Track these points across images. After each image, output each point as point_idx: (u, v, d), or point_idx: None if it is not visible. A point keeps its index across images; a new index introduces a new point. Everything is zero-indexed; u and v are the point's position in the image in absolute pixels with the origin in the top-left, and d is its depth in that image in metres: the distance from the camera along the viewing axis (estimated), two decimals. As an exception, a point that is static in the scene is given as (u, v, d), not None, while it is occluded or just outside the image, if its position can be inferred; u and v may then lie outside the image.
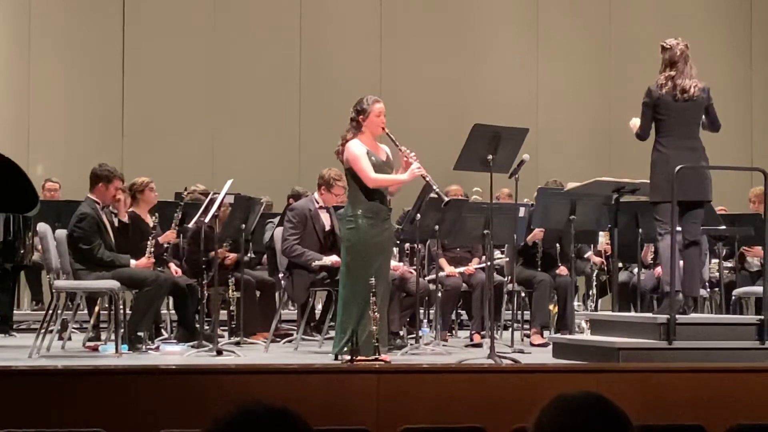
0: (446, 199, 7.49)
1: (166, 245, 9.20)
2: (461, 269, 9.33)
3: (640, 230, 8.90)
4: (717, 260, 9.98)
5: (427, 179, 7.29)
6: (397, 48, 14.24)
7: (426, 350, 8.17)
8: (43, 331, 7.74)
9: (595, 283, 10.48)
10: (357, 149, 7.21)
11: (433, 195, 7.86)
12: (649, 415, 5.26)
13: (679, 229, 7.31)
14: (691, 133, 7.23)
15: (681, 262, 7.26)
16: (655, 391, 5.76)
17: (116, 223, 8.62)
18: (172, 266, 9.03)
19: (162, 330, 9.34)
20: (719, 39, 14.97)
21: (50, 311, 7.96)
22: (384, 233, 7.29)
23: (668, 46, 7.29)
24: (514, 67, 14.70)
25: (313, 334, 9.32)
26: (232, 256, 9.23)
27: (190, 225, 8.77)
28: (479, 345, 8.81)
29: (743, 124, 14.78)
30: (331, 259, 8.20)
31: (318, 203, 8.69)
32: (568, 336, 8.36)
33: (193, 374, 5.79)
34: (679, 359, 6.61)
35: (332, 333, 7.94)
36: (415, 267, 8.85)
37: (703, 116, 7.31)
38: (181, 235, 9.34)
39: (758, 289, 8.91)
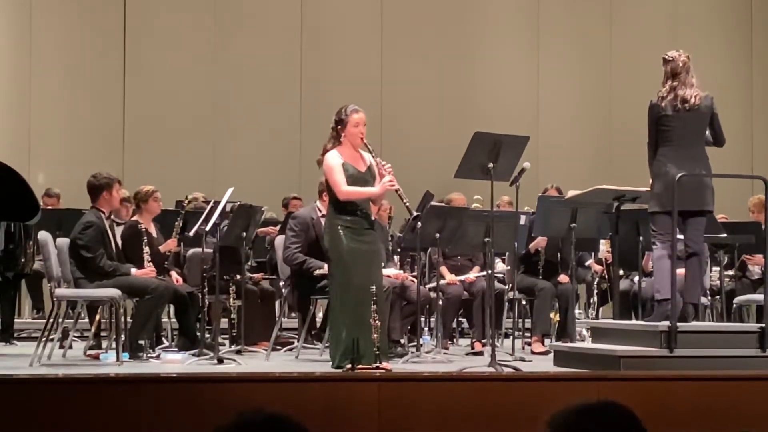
0: (414, 213, 7.49)
1: (167, 253, 9.21)
2: (462, 277, 9.33)
3: (641, 238, 8.89)
4: (718, 268, 9.97)
5: (399, 192, 7.29)
6: (397, 55, 14.26)
7: (427, 358, 8.16)
8: (44, 339, 7.74)
9: (596, 291, 10.47)
10: (332, 161, 7.23)
11: (433, 203, 7.86)
12: (651, 423, 5.24)
13: (680, 237, 7.30)
14: (694, 143, 7.21)
15: (680, 270, 7.25)
16: (657, 399, 5.75)
17: (117, 234, 8.63)
18: (174, 274, 9.03)
19: (163, 338, 9.34)
20: (720, 46, 14.99)
21: (51, 319, 7.95)
22: (366, 243, 7.25)
23: (670, 58, 7.29)
24: (514, 75, 14.72)
25: (314, 342, 9.31)
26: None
27: (191, 233, 8.77)
28: (480, 353, 8.80)
29: (743, 132, 14.79)
30: None
31: (320, 211, 8.69)
32: (569, 344, 8.36)
33: (194, 383, 5.79)
34: (681, 367, 6.60)
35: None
36: (415, 275, 8.84)
37: (708, 129, 7.29)
38: (182, 244, 9.34)
39: (759, 297, 8.90)
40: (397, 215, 11.62)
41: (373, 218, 7.45)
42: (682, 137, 7.18)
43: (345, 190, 7.18)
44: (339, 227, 7.19)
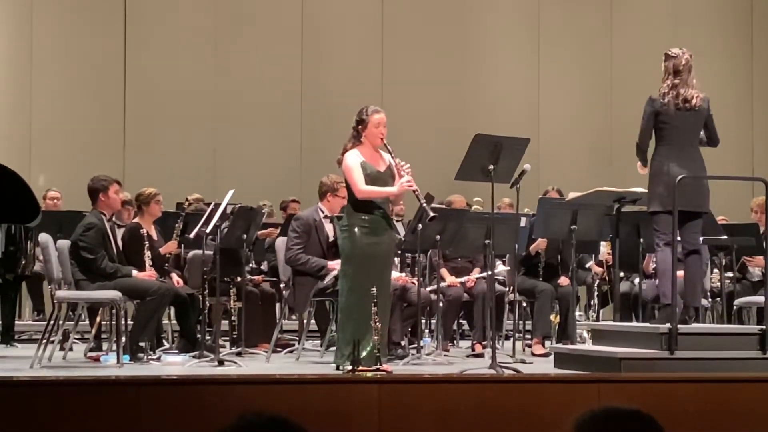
0: (431, 214, 7.48)
1: (167, 255, 9.21)
2: (462, 279, 9.32)
3: (642, 240, 8.89)
4: (718, 271, 9.96)
5: (416, 193, 7.31)
6: (398, 59, 14.26)
7: (427, 360, 8.17)
8: (44, 341, 7.75)
9: (596, 293, 10.47)
10: (351, 160, 7.24)
11: (433, 204, 7.86)
12: (651, 425, 5.24)
13: (678, 239, 7.30)
14: (691, 144, 7.22)
15: (680, 272, 7.25)
16: (657, 401, 5.75)
17: (117, 236, 8.63)
18: (174, 276, 9.03)
19: (163, 340, 9.35)
20: (720, 47, 14.99)
21: (52, 321, 7.96)
22: (382, 243, 7.28)
23: (673, 55, 7.28)
24: (515, 77, 14.73)
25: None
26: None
27: (192, 235, 8.78)
28: (481, 355, 8.81)
29: (744, 134, 14.79)
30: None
31: (323, 212, 8.69)
32: (569, 346, 8.36)
33: (195, 385, 5.78)
34: (681, 369, 6.60)
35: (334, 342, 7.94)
36: (416, 277, 8.84)
37: (702, 129, 7.29)
38: (182, 246, 9.35)
39: (760, 299, 8.90)
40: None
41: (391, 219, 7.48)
42: (681, 137, 7.17)
43: (363, 189, 7.19)
44: (356, 227, 7.20)
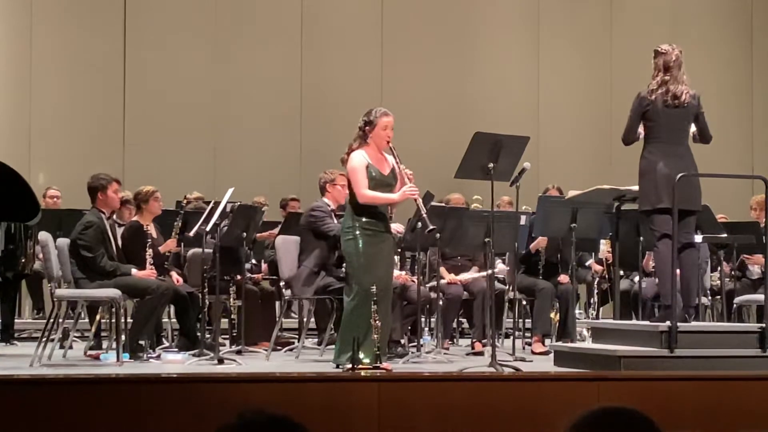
0: (430, 226, 7.46)
1: (167, 254, 9.20)
2: (459, 277, 9.31)
3: (641, 238, 8.89)
4: (718, 270, 9.96)
5: (418, 202, 7.30)
6: (397, 58, 14.25)
7: (427, 358, 8.17)
8: (44, 339, 7.75)
9: (596, 291, 10.47)
10: (357, 161, 7.23)
11: (433, 203, 7.84)
12: (651, 424, 5.23)
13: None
14: (680, 140, 7.19)
15: (678, 271, 7.24)
16: (657, 399, 5.75)
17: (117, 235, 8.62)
18: (174, 275, 9.03)
19: (163, 338, 9.34)
20: (720, 47, 14.99)
21: (51, 320, 7.96)
22: (384, 243, 7.28)
23: (663, 51, 7.26)
24: (515, 76, 14.72)
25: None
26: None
27: (191, 233, 8.78)
28: (480, 353, 8.81)
29: (744, 132, 14.79)
30: None
31: (329, 206, 8.66)
32: (569, 344, 8.36)
33: (195, 383, 5.78)
34: (681, 367, 6.60)
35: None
36: (416, 275, 8.84)
37: (693, 126, 7.26)
38: (182, 244, 9.35)
39: (759, 297, 8.91)
40: (396, 218, 11.60)
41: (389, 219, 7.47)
42: (668, 134, 7.15)
43: (366, 193, 7.18)
44: (358, 229, 7.19)
